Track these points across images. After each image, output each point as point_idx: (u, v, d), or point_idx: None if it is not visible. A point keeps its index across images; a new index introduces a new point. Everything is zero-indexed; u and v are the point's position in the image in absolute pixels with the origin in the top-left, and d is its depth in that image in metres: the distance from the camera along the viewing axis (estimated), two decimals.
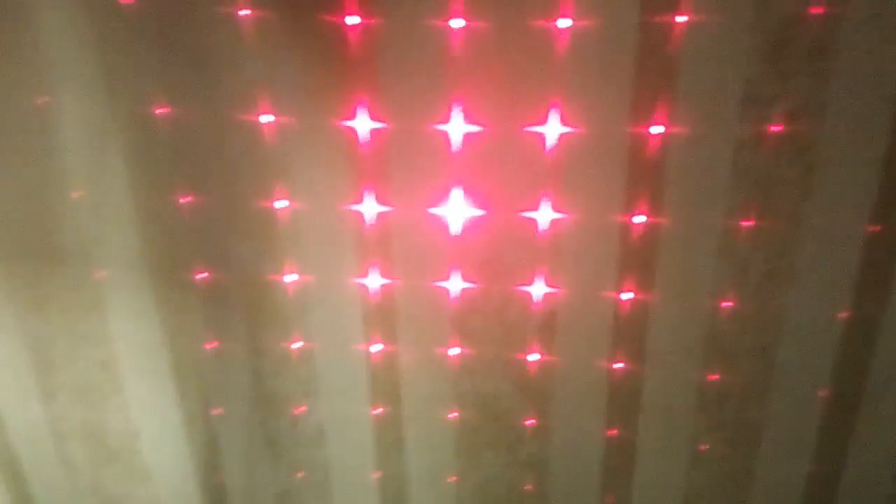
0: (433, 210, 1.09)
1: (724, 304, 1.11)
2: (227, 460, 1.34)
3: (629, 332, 1.14)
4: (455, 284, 1.13)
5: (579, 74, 0.98)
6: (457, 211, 1.09)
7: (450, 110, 1.04)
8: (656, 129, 1.01)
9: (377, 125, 1.06)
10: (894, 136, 0.99)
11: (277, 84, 1.05)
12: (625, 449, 1.22)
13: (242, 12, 1.01)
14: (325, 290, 1.18)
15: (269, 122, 1.08)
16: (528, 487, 1.30)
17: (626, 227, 1.08)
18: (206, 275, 1.19)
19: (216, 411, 1.31)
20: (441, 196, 1.09)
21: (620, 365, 1.16)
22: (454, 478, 1.31)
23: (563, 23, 0.97)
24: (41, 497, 1.40)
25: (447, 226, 1.10)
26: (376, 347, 1.20)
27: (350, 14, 1.00)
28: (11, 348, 1.27)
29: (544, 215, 1.08)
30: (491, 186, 1.08)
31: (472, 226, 1.10)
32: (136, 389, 1.30)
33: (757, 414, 1.16)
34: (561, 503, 1.30)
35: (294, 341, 1.23)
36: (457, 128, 1.05)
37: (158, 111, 1.08)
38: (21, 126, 1.10)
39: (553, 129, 1.02)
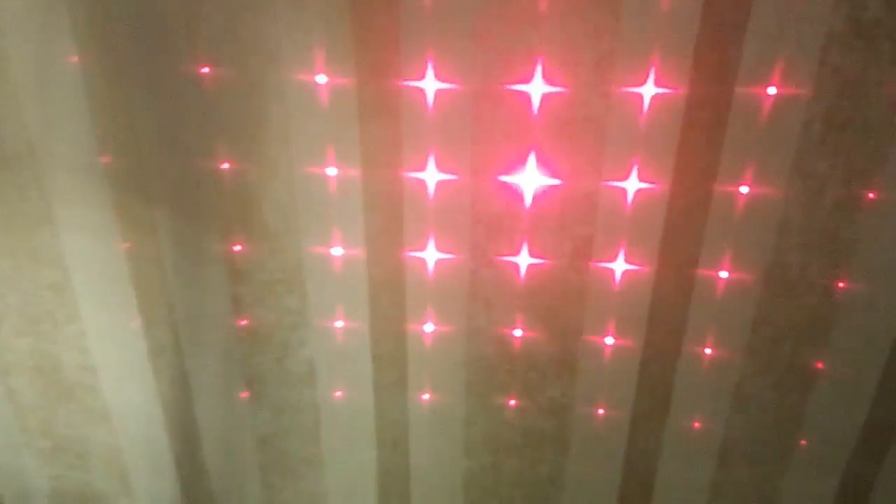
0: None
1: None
2: (199, 399, 1.20)
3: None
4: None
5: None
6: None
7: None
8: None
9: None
10: None
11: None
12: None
13: None
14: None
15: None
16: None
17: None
18: (174, 187, 1.03)
19: (188, 344, 1.16)
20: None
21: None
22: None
23: None
24: None
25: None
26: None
27: None
28: None
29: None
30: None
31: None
32: (93, 317, 1.18)
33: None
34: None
35: (280, 264, 1.07)
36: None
37: None
38: None
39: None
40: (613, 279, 1.02)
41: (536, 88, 0.94)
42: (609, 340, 1.06)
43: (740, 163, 0.93)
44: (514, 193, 0.99)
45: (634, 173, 0.97)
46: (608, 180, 0.97)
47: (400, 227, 1.03)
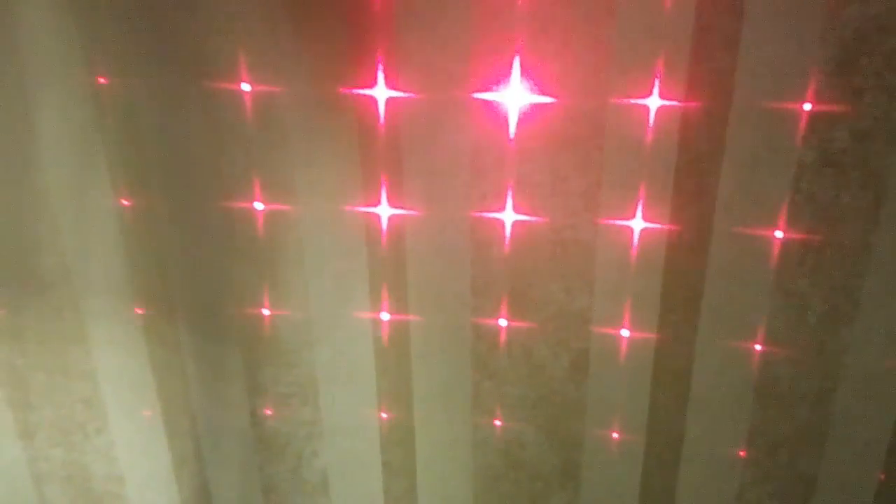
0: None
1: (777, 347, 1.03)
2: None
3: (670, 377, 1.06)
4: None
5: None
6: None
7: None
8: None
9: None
10: None
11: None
12: (662, 499, 1.13)
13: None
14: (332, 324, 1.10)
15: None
16: None
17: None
18: (197, 307, 1.11)
19: (209, 454, 1.22)
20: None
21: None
22: None
23: None
24: None
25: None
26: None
27: None
28: None
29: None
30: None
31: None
32: (121, 429, 1.23)
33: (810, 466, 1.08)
34: None
35: (295, 378, 1.13)
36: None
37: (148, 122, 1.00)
38: None
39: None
40: (611, 395, 1.07)
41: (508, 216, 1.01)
42: (614, 436, 1.11)
43: (724, 282, 0.99)
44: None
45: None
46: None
47: (407, 341, 1.10)
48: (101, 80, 1.00)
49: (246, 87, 0.96)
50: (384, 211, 1.01)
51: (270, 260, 1.06)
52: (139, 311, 1.11)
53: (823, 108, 0.91)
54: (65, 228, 1.07)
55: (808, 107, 0.91)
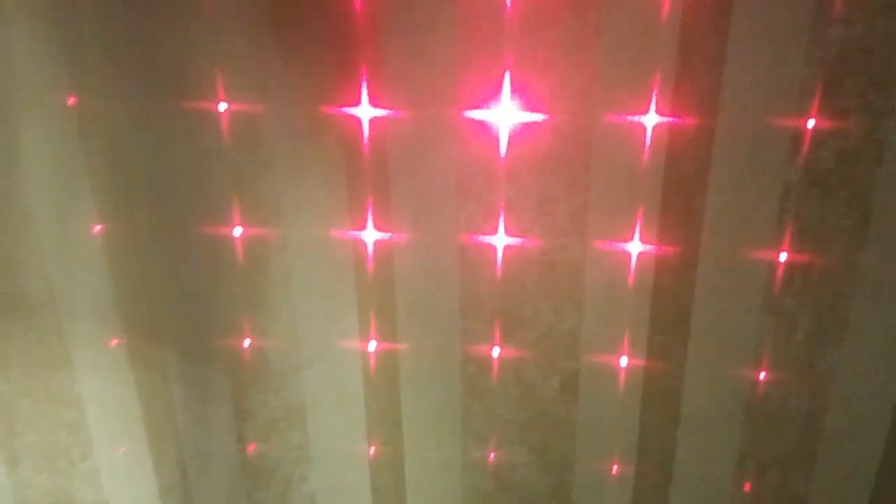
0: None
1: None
2: None
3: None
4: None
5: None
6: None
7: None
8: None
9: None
10: None
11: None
12: None
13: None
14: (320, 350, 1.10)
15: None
16: None
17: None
18: (184, 332, 1.11)
19: (196, 480, 1.21)
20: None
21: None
22: None
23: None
24: None
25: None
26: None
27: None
28: None
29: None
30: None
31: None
32: (106, 455, 1.23)
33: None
34: None
35: (283, 402, 1.13)
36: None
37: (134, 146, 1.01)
38: None
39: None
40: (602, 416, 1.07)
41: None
42: (605, 458, 1.11)
43: (713, 303, 0.99)
44: None
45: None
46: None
47: (396, 366, 1.10)
48: (78, 102, 1.00)
49: (224, 106, 0.96)
50: (370, 236, 1.01)
51: (257, 284, 1.06)
52: (124, 337, 1.11)
53: (809, 128, 0.92)
54: (48, 253, 1.07)
55: (793, 127, 0.92)
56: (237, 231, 1.03)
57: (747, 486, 1.11)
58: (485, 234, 1.00)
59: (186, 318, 1.09)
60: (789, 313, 0.98)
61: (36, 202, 1.04)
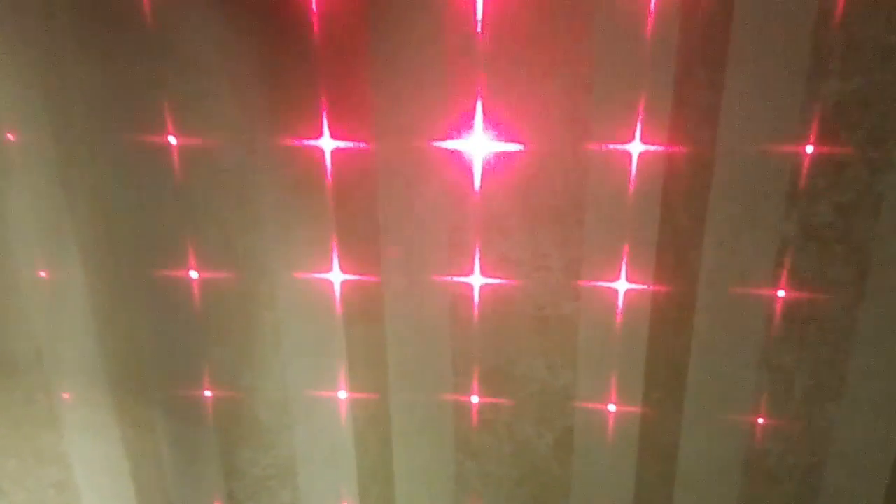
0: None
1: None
2: None
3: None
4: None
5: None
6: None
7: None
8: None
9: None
10: None
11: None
12: None
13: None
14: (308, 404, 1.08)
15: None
16: None
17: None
18: (172, 389, 1.09)
19: None
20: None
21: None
22: None
23: None
24: None
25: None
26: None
27: None
28: None
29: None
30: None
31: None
32: None
33: None
34: None
35: (273, 460, 1.12)
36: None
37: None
38: None
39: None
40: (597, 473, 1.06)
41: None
42: None
43: (709, 356, 0.97)
44: None
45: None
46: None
47: (388, 429, 1.08)
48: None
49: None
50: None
51: (246, 337, 1.04)
52: (112, 395, 1.09)
53: (806, 182, 0.90)
54: (34, 310, 1.06)
55: (790, 180, 0.91)
56: (226, 279, 1.02)
57: None
58: (465, 275, 0.99)
59: (175, 372, 1.08)
60: (787, 367, 0.96)
61: (21, 260, 1.03)
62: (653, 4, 0.85)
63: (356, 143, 0.93)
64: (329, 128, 0.92)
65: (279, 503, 1.13)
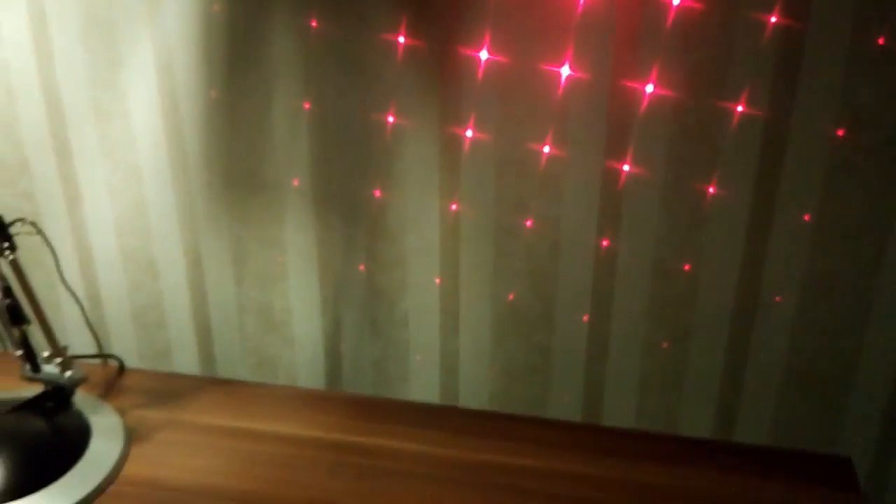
0: None
1: None
2: (344, 334, 1.73)
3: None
4: None
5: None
6: None
7: None
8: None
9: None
10: None
11: None
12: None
13: None
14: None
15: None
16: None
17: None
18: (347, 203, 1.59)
19: (341, 298, 1.68)
20: None
21: None
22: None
23: None
24: (220, 354, 1.83)
25: None
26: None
27: None
28: (221, 247, 1.69)
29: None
30: None
31: None
32: (294, 280, 1.68)
33: None
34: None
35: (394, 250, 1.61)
36: None
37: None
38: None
39: None
40: None
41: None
42: None
43: None
44: None
45: None
46: None
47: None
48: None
49: None
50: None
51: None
52: (315, 204, 1.66)
53: None
54: (279, 152, 1.73)
55: None
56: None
57: None
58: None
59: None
60: None
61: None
62: None
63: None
64: None
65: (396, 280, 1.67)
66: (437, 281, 1.64)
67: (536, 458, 1.38)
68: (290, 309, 1.74)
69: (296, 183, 1.61)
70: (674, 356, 1.56)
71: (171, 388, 1.59)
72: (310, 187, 1.61)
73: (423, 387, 1.73)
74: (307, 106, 1.56)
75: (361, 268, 1.67)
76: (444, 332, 1.68)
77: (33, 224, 1.40)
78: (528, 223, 1.53)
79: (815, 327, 1.44)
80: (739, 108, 1.31)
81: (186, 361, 1.86)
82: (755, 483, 1.31)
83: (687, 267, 1.47)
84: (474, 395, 1.70)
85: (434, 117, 1.50)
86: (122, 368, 1.66)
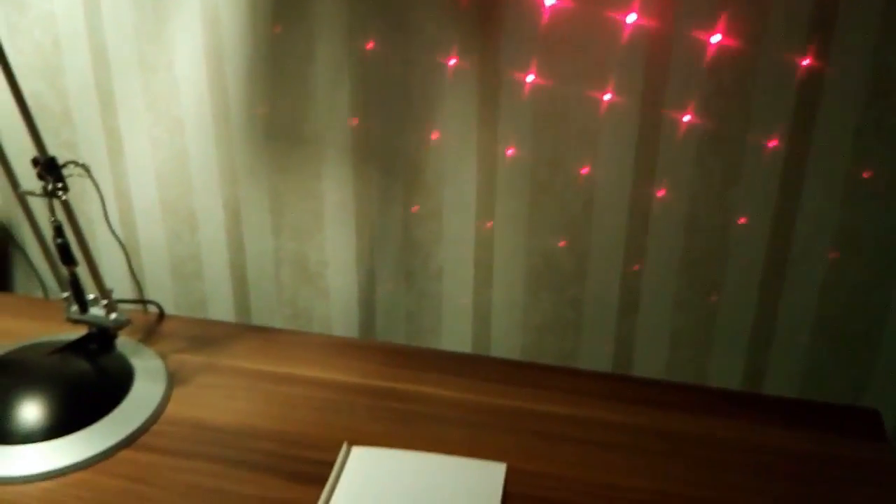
0: None
1: None
2: (379, 286, 1.76)
3: None
4: None
5: None
6: None
7: None
8: None
9: None
10: None
11: None
12: None
13: None
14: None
15: None
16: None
17: None
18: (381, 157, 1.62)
19: (377, 251, 1.72)
20: None
21: None
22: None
23: None
24: (255, 304, 1.86)
25: None
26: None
27: None
28: (258, 198, 1.71)
29: None
30: None
31: None
32: (331, 232, 1.70)
33: None
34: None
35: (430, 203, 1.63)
36: None
37: None
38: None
39: None
40: None
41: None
42: None
43: None
44: None
45: None
46: None
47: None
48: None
49: None
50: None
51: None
52: (355, 158, 1.64)
53: None
54: (320, 105, 1.76)
55: None
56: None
57: None
58: None
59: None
60: None
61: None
62: None
63: None
64: None
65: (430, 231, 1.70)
66: (473, 234, 1.64)
67: (568, 405, 1.41)
68: (325, 261, 1.77)
69: (336, 136, 1.63)
70: (705, 310, 1.57)
71: (210, 335, 1.62)
72: (350, 140, 1.62)
73: (455, 339, 1.76)
74: (350, 58, 1.56)
75: (398, 220, 1.68)
76: (477, 285, 1.70)
77: (84, 167, 1.40)
78: (564, 177, 1.54)
79: (844, 283, 1.45)
80: None
81: (222, 312, 1.89)
82: (785, 433, 1.33)
83: (719, 223, 1.47)
84: (506, 347, 1.73)
85: (476, 62, 1.50)
86: (161, 315, 1.69)
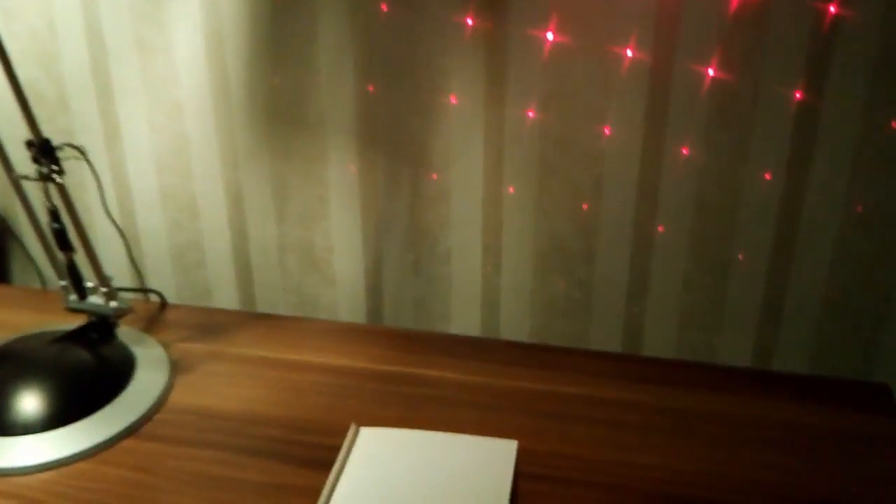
0: None
1: None
2: (386, 272, 1.74)
3: None
4: None
5: None
6: None
7: None
8: None
9: None
10: None
11: None
12: None
13: None
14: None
15: None
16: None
17: None
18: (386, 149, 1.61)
19: (383, 236, 1.68)
20: None
21: None
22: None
23: None
24: (260, 293, 1.83)
25: None
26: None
27: None
28: (262, 184, 1.67)
29: None
30: None
31: None
32: (336, 218, 1.68)
33: None
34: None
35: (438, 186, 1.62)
36: None
37: None
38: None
39: None
40: None
41: None
42: None
43: None
44: None
45: None
46: None
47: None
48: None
49: None
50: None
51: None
52: (359, 144, 1.67)
53: None
54: (323, 88, 1.72)
55: None
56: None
57: None
58: None
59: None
60: None
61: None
62: None
63: None
64: None
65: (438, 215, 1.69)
66: (481, 216, 1.63)
67: (578, 385, 1.40)
68: (331, 247, 1.74)
69: (340, 118, 1.60)
70: (714, 290, 1.56)
71: (213, 323, 1.60)
72: (354, 122, 1.60)
73: (464, 324, 1.74)
74: (354, 36, 1.54)
75: (405, 204, 1.66)
76: (485, 269, 1.68)
77: (80, 149, 1.37)
78: (572, 158, 1.52)
79: (852, 260, 1.44)
80: None
81: (225, 301, 1.85)
82: (795, 408, 1.33)
83: (727, 202, 1.45)
84: (515, 331, 1.71)
85: (484, 30, 1.47)
86: (163, 303, 1.67)
